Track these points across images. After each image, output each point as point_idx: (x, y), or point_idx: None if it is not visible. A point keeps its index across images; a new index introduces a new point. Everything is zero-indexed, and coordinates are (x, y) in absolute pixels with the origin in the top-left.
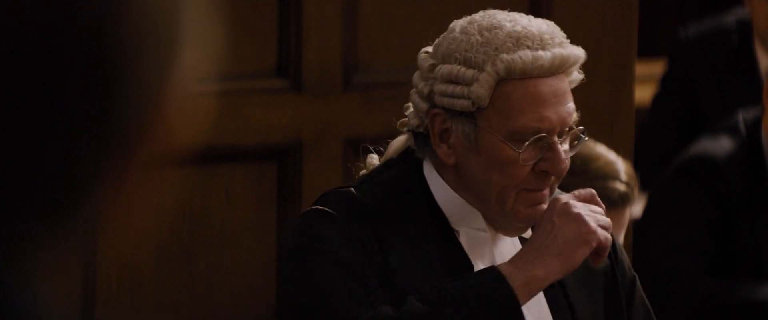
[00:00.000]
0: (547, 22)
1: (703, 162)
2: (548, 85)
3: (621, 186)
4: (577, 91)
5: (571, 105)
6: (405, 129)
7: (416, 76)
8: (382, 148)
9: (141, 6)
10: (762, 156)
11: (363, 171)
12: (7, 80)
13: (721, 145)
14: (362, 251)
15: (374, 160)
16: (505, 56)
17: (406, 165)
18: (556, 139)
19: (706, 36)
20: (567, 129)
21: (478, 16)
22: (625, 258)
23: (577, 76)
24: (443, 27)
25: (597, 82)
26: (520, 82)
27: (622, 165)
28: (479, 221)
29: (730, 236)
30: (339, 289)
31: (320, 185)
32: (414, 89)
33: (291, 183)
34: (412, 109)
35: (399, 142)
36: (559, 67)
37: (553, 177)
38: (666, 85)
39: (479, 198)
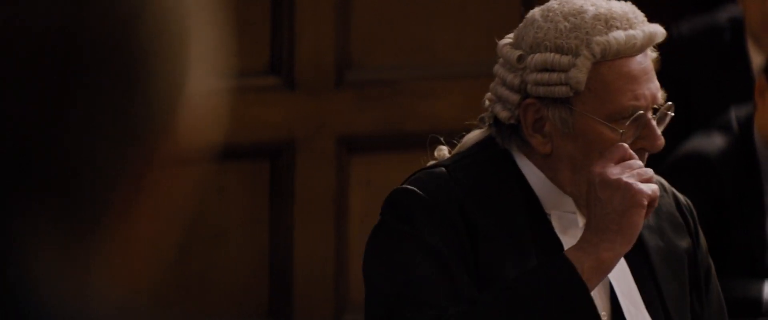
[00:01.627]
0: (622, 2)
1: (695, 159)
2: (638, 62)
3: None
4: None
5: (657, 81)
6: (485, 123)
7: (500, 68)
8: (455, 141)
9: (159, 6)
10: (754, 153)
11: (432, 162)
12: (25, 78)
13: (714, 142)
14: (449, 238)
15: (444, 151)
16: (599, 39)
17: (494, 150)
18: (650, 115)
19: (699, 33)
20: (656, 106)
21: (554, 4)
22: (704, 243)
23: (652, 53)
24: (436, 25)
25: None
26: (612, 62)
27: None
28: (569, 204)
29: (723, 233)
30: (422, 277)
31: (313, 183)
32: (499, 82)
33: (284, 180)
34: (496, 102)
35: (474, 135)
36: (649, 44)
37: (646, 156)
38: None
39: (574, 184)
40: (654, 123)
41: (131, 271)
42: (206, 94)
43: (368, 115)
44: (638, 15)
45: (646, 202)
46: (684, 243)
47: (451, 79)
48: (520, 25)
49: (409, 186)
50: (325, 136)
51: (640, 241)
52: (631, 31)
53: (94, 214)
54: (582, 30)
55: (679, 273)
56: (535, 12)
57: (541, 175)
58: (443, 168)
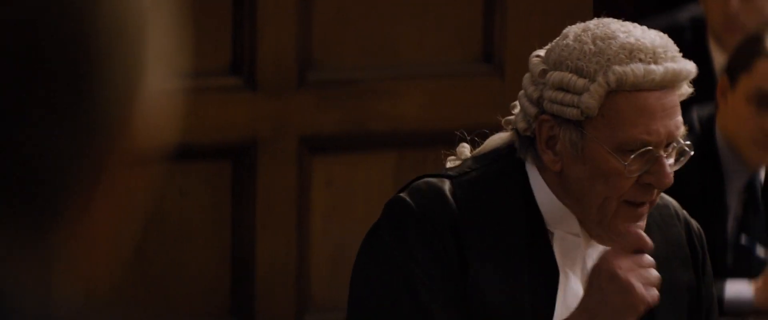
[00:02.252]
0: (661, 34)
1: None
2: (658, 98)
3: None
4: None
5: (680, 119)
6: (509, 128)
7: (526, 79)
8: (478, 139)
9: (116, 3)
10: (716, 153)
11: (452, 158)
12: None
13: None
14: (435, 265)
15: (465, 149)
16: (617, 68)
17: (509, 161)
18: (662, 152)
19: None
20: (673, 143)
21: (592, 24)
22: (711, 275)
23: (687, 89)
24: (398, 24)
25: None
26: (630, 94)
27: None
28: (574, 225)
29: None
30: (399, 301)
31: (275, 183)
32: (523, 92)
33: (246, 181)
34: (519, 111)
35: (497, 138)
36: (671, 82)
37: (656, 191)
38: None
39: (580, 206)
40: (664, 160)
41: (92, 271)
42: (164, 94)
43: (330, 115)
44: (670, 50)
45: (643, 309)
46: (687, 277)
47: (414, 79)
48: (557, 38)
49: (407, 199)
50: (287, 136)
51: None
52: (652, 66)
53: (52, 214)
54: (604, 56)
55: (678, 310)
56: (572, 29)
57: (550, 193)
58: (448, 179)
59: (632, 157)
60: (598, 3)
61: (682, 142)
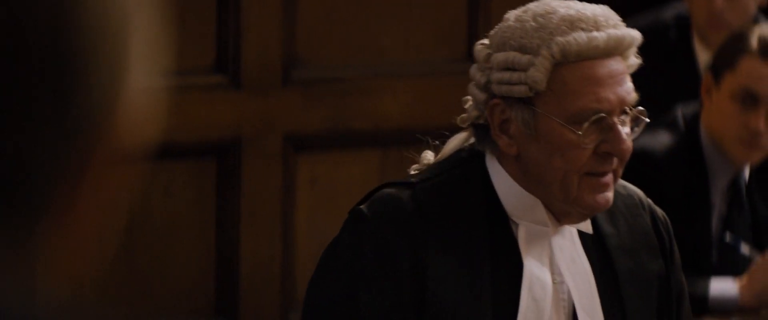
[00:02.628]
0: (603, 6)
1: (641, 157)
2: (604, 65)
3: None
4: None
5: (630, 85)
6: (465, 124)
7: (473, 68)
8: (437, 142)
9: (95, 3)
10: (701, 151)
11: (415, 166)
12: None
13: (660, 140)
14: (388, 289)
15: (429, 156)
16: (559, 39)
17: (470, 161)
18: (615, 119)
19: (645, 31)
20: (627, 110)
21: (532, 4)
22: (679, 261)
23: (634, 60)
24: (383, 23)
25: None
26: (575, 64)
27: None
28: (541, 213)
29: None
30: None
31: (260, 181)
32: (472, 82)
33: (230, 179)
34: (470, 102)
35: (457, 139)
36: (615, 48)
37: (615, 160)
38: None
39: (542, 187)
40: (619, 126)
41: (76, 269)
42: (148, 92)
43: (315, 113)
44: (611, 18)
45: None
46: (656, 265)
47: (398, 77)
48: (498, 24)
49: (367, 213)
50: (272, 134)
51: (611, 261)
52: (594, 33)
53: (36, 213)
54: (546, 30)
55: (647, 299)
56: (512, 12)
57: (513, 183)
58: (410, 187)
59: (586, 126)
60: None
61: (634, 109)
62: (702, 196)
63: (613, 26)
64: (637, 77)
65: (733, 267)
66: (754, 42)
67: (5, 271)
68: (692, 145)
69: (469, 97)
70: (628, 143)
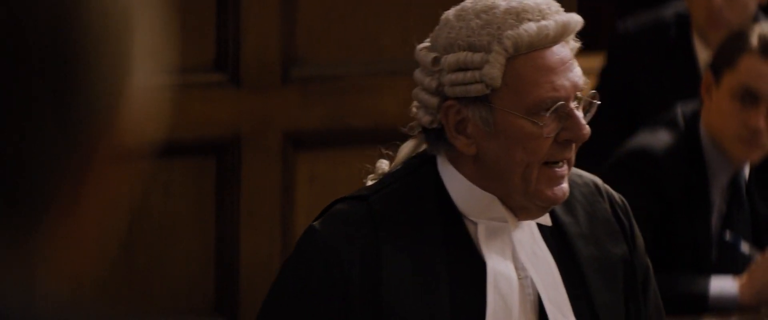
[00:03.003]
0: None
1: (641, 156)
2: (555, 53)
3: None
4: None
5: (579, 70)
6: (415, 132)
7: (418, 73)
8: (390, 152)
9: (99, 2)
10: (701, 149)
11: (371, 176)
12: None
13: (660, 138)
14: (342, 289)
15: (383, 165)
16: (509, 33)
17: (422, 169)
18: (572, 105)
19: (645, 29)
20: (579, 95)
21: (468, 3)
22: (642, 243)
23: (574, 43)
24: (381, 21)
25: None
26: (527, 55)
27: None
28: (498, 210)
29: (669, 229)
30: None
31: (259, 179)
32: (419, 87)
33: (230, 177)
34: (419, 108)
35: (408, 147)
36: (563, 34)
37: (574, 147)
38: (605, 78)
39: (503, 182)
40: (577, 112)
41: (77, 267)
42: (149, 90)
43: (314, 111)
44: (553, 6)
45: None
46: (619, 250)
47: (397, 75)
48: (436, 27)
49: (320, 231)
50: (271, 132)
51: (572, 250)
52: (543, 22)
53: (38, 210)
54: (493, 25)
55: (613, 284)
56: (449, 13)
57: (469, 184)
58: (362, 200)
59: (546, 116)
60: (582, 1)
61: (586, 94)
62: (702, 195)
63: (556, 12)
64: (637, 75)
65: (733, 265)
66: (754, 40)
67: (6, 271)
68: (692, 144)
69: (415, 104)
70: (587, 128)
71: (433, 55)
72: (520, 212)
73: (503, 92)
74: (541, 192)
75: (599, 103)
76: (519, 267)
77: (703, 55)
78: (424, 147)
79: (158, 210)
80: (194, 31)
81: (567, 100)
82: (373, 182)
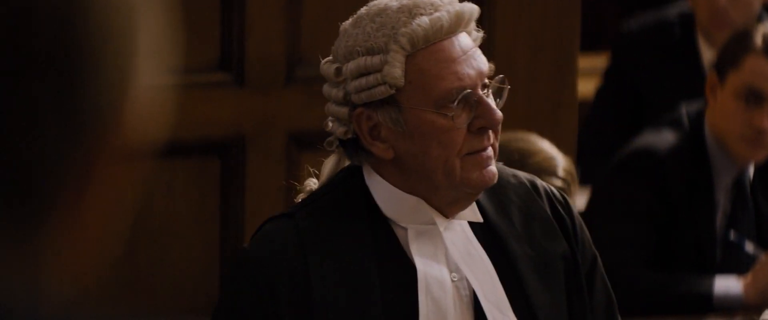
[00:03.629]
0: None
1: (645, 155)
2: (454, 43)
3: (557, 182)
4: (521, 84)
5: (483, 58)
6: (333, 146)
7: (325, 87)
8: (316, 171)
9: (102, 2)
10: (705, 149)
11: (301, 196)
12: None
13: (664, 138)
14: (271, 311)
15: (311, 184)
16: (403, 30)
17: (348, 182)
18: (481, 92)
19: (649, 29)
20: (487, 82)
21: (363, 10)
22: (587, 235)
23: (477, 33)
24: None
25: (540, 76)
26: (427, 49)
27: (561, 162)
28: (425, 213)
29: (672, 229)
30: None
31: (263, 179)
32: (328, 101)
33: (233, 177)
34: (333, 122)
35: (329, 163)
36: (458, 23)
37: (491, 133)
38: (609, 78)
39: (425, 181)
40: (487, 99)
41: (80, 267)
42: (154, 90)
43: (318, 112)
44: None
45: None
46: (559, 247)
47: None
48: (336, 39)
49: (247, 251)
50: (275, 132)
51: (507, 251)
52: (435, 14)
53: (41, 210)
54: (388, 26)
55: (551, 282)
56: (346, 23)
57: (393, 189)
58: (290, 217)
59: (455, 106)
60: (586, 1)
61: (493, 80)
62: (706, 194)
63: (449, 3)
64: (641, 75)
65: (738, 265)
66: (758, 40)
67: (11, 270)
68: (696, 144)
69: (329, 118)
70: (499, 113)
71: (335, 66)
72: (449, 207)
73: (408, 90)
74: (469, 179)
75: (508, 87)
76: (453, 269)
77: (707, 54)
78: (346, 161)
79: (161, 210)
80: (198, 31)
81: (474, 88)
82: (302, 200)
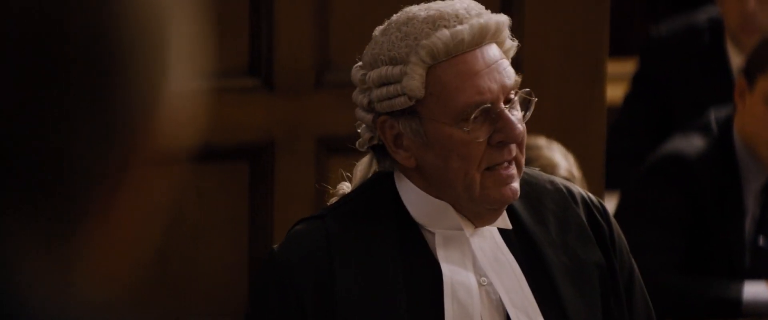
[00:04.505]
0: (461, 0)
1: (674, 161)
2: (476, 56)
3: None
4: (549, 90)
5: (510, 70)
6: (363, 148)
7: (355, 92)
8: (349, 174)
9: (135, 6)
10: (734, 154)
11: (334, 199)
12: (3, 79)
13: (693, 143)
14: (296, 315)
15: (344, 187)
16: (424, 42)
17: (378, 186)
18: (502, 106)
19: (678, 34)
20: (512, 95)
21: (394, 16)
22: (624, 244)
23: (510, 42)
24: None
25: (569, 81)
26: (447, 62)
27: (562, 171)
28: (453, 218)
29: (702, 234)
30: None
31: (292, 184)
32: (357, 106)
33: (263, 181)
34: (361, 127)
35: (362, 164)
36: (481, 37)
37: (514, 148)
38: (637, 83)
39: (447, 192)
40: (508, 113)
41: (111, 271)
42: (185, 95)
43: (347, 116)
44: (473, 9)
45: None
46: (594, 256)
47: None
48: (367, 45)
49: (276, 253)
50: (304, 136)
51: (542, 258)
52: (457, 28)
53: (74, 214)
54: (411, 37)
55: (586, 291)
56: (378, 28)
57: (422, 194)
58: (320, 219)
59: (473, 120)
60: (614, 5)
61: (519, 92)
62: (735, 200)
63: (476, 16)
64: (670, 81)
65: (767, 270)
66: None
67: (43, 271)
68: (725, 149)
69: (358, 122)
70: (520, 127)
71: (361, 72)
72: (475, 219)
73: (429, 101)
74: (488, 196)
75: (535, 99)
76: (481, 274)
77: (736, 60)
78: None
79: (191, 215)
80: (228, 36)
81: (495, 101)
82: (333, 202)
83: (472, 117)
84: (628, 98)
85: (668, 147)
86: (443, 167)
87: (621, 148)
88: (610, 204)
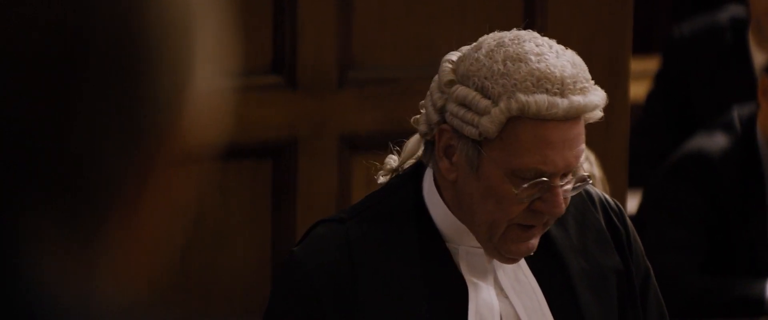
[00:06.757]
0: (575, 61)
1: (697, 159)
2: (560, 129)
3: None
4: None
5: (581, 148)
6: (419, 124)
7: (434, 83)
8: (398, 148)
9: (163, 4)
10: (757, 152)
11: (381, 172)
12: (29, 77)
13: (716, 141)
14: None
15: (392, 161)
16: (521, 96)
17: (403, 190)
18: (557, 182)
19: (700, 33)
20: (570, 176)
21: (508, 39)
22: (640, 246)
23: (598, 114)
24: (438, 24)
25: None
26: (531, 121)
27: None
28: (474, 240)
29: (725, 233)
30: None
31: (315, 182)
32: (429, 95)
33: (286, 180)
34: (423, 114)
35: (413, 141)
36: (575, 115)
37: (547, 218)
38: (660, 82)
39: (471, 219)
40: (558, 190)
41: (135, 271)
42: (210, 93)
43: (370, 114)
44: (579, 81)
45: None
46: (611, 261)
47: None
48: (472, 44)
49: (297, 255)
50: (327, 135)
51: (562, 263)
52: (557, 99)
53: (98, 214)
54: (511, 80)
55: (604, 296)
56: (487, 40)
57: (446, 210)
58: (341, 224)
59: (526, 185)
60: (637, 3)
61: (580, 171)
62: (757, 197)
63: (579, 91)
64: (693, 79)
65: None
66: None
67: (66, 271)
68: (748, 147)
69: (421, 107)
70: (563, 206)
71: (451, 76)
72: (486, 251)
73: (496, 144)
74: (506, 247)
75: (591, 182)
76: (500, 292)
77: (758, 58)
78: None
79: (214, 214)
80: (251, 34)
81: (553, 176)
82: (356, 203)
83: (528, 183)
84: (651, 96)
85: (691, 145)
86: (478, 202)
87: (644, 147)
88: (633, 203)
